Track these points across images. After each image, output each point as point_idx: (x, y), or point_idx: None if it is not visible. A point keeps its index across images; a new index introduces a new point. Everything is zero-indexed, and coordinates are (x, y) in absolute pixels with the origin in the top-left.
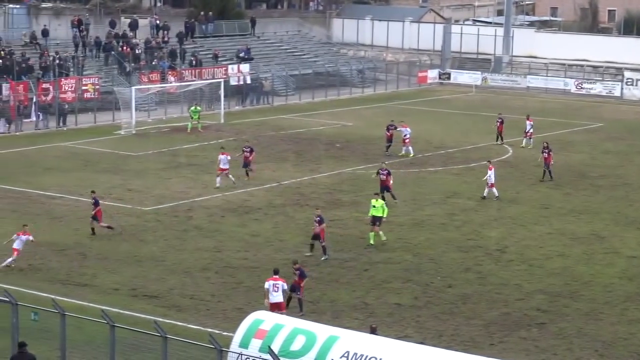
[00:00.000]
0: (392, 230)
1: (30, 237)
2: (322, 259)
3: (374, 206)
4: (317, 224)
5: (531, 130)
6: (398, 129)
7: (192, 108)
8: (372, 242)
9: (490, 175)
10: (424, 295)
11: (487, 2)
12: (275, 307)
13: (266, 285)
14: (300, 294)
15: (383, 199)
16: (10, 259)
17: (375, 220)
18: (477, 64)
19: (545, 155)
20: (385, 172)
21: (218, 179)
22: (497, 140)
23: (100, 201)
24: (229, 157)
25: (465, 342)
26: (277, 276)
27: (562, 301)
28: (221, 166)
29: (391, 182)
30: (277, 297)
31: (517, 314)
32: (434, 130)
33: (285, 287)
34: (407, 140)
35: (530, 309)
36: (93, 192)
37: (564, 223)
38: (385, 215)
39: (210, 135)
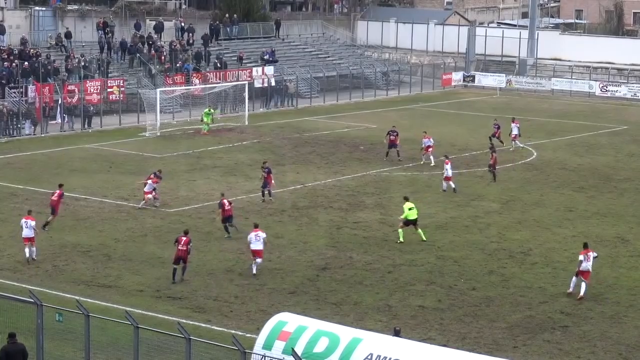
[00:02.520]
0: (416, 233)
1: (33, 223)
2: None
3: (410, 209)
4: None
5: (517, 133)
6: (425, 141)
7: (206, 110)
8: (402, 239)
9: (447, 169)
10: (448, 298)
11: (512, 4)
12: (256, 254)
13: (251, 235)
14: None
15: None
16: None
17: (410, 223)
18: (502, 67)
19: (493, 158)
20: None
21: (142, 202)
22: (503, 144)
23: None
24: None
25: (489, 345)
26: (257, 229)
27: (586, 304)
28: (146, 189)
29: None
30: (258, 245)
31: (540, 316)
32: (458, 132)
33: (265, 236)
34: (429, 150)
35: (554, 311)
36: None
37: (588, 226)
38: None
39: (235, 137)
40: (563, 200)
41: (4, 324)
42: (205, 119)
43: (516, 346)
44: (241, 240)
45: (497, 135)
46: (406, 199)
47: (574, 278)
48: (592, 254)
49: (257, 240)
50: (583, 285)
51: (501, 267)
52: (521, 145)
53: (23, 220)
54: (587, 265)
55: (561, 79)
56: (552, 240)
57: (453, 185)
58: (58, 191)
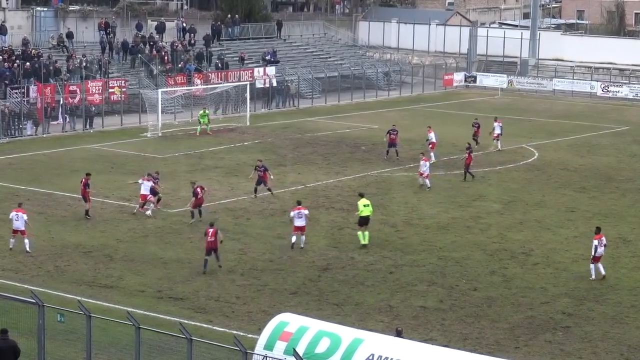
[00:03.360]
0: (417, 233)
1: (25, 216)
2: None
3: (365, 205)
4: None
5: (499, 132)
6: (430, 135)
7: (201, 112)
8: (364, 242)
9: (422, 165)
10: (449, 298)
11: (514, 5)
12: (300, 229)
13: (292, 214)
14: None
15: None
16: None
17: (364, 221)
18: (503, 67)
19: (466, 155)
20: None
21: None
22: (477, 145)
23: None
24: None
25: (490, 346)
26: (300, 206)
27: (588, 305)
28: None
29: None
30: (301, 221)
31: (542, 317)
32: (459, 133)
33: (307, 213)
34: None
35: (555, 312)
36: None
37: (589, 226)
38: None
39: (236, 137)
40: (564, 200)
41: (5, 325)
42: (202, 120)
43: (518, 347)
44: (241, 240)
45: (477, 134)
46: (361, 195)
47: (591, 265)
48: (604, 239)
49: (299, 217)
50: (600, 266)
51: (503, 268)
52: (499, 147)
53: (13, 213)
54: (602, 250)
55: (563, 80)
56: (554, 241)
57: (428, 184)
58: (83, 180)
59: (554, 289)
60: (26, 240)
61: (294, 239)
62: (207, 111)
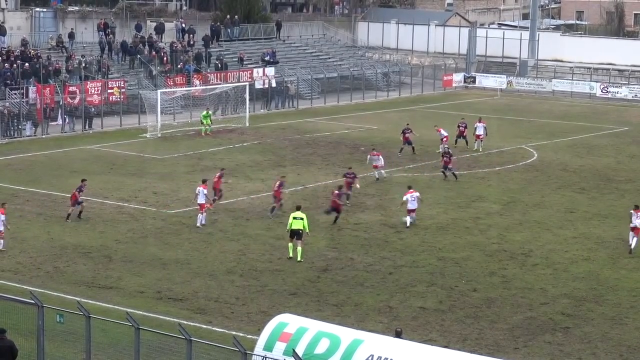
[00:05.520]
0: (417, 234)
1: (3, 217)
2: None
3: (295, 218)
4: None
5: (481, 133)
6: (441, 133)
7: (204, 113)
8: (291, 255)
9: (372, 158)
10: (449, 299)
11: (513, 5)
12: (412, 212)
13: (405, 197)
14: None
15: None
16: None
17: (295, 234)
18: (503, 68)
19: (446, 158)
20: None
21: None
22: (456, 144)
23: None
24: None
25: (490, 346)
26: (412, 189)
27: (587, 305)
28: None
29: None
30: (413, 204)
31: (541, 318)
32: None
33: (419, 195)
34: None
35: (555, 313)
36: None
37: (589, 227)
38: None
39: (236, 138)
40: (564, 201)
41: (5, 325)
42: (204, 121)
43: (517, 347)
44: (240, 241)
45: (463, 134)
46: (298, 208)
47: (630, 233)
48: None
49: (412, 200)
50: (635, 239)
51: (502, 269)
52: (480, 150)
53: None
54: (637, 222)
55: (562, 80)
56: (553, 242)
57: (377, 175)
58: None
59: (553, 289)
60: (1, 241)
61: (408, 220)
62: (209, 112)
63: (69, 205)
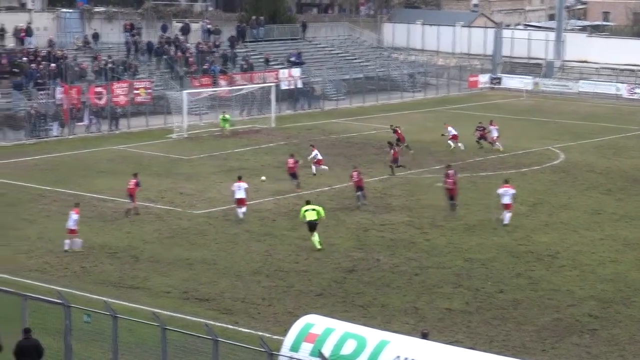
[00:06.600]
0: (443, 235)
1: (77, 217)
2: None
3: (306, 210)
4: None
5: (497, 135)
6: (487, 130)
7: (221, 116)
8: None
9: (314, 154)
10: (475, 301)
11: (539, 6)
12: (508, 207)
13: (500, 190)
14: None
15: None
16: None
17: (311, 226)
18: (528, 69)
19: (392, 151)
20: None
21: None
22: (490, 144)
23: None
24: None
25: (517, 348)
26: (507, 184)
27: (615, 307)
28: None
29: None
30: (507, 199)
31: (568, 319)
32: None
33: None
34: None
35: (582, 315)
36: None
37: (616, 229)
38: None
39: (262, 139)
40: (591, 202)
41: (32, 325)
42: (222, 125)
43: (544, 349)
44: (266, 242)
45: (483, 136)
46: (307, 202)
47: None
48: None
49: (506, 195)
50: None
51: (529, 270)
52: (500, 149)
53: None
54: None
55: (588, 81)
56: (580, 243)
57: (315, 170)
58: (133, 180)
59: (580, 291)
60: (78, 240)
61: (504, 215)
62: (227, 115)
63: (129, 202)
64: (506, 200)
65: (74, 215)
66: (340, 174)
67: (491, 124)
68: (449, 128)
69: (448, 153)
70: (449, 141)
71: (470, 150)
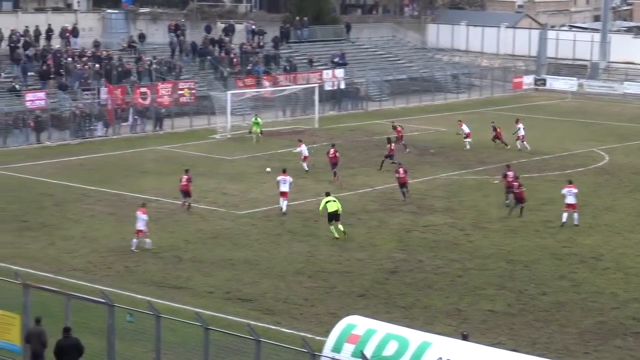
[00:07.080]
0: (486, 237)
1: (145, 217)
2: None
3: (329, 202)
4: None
5: (523, 134)
6: (463, 128)
7: (253, 119)
8: (337, 235)
9: (301, 150)
10: (518, 303)
11: (584, 7)
12: (570, 207)
13: (564, 190)
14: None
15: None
16: None
17: (333, 216)
18: (573, 70)
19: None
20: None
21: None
22: (507, 145)
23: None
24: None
25: (559, 351)
26: (571, 184)
27: None
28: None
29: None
30: (571, 199)
31: (612, 322)
32: (529, 136)
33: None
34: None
35: (626, 317)
36: None
37: None
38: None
39: (306, 139)
40: (635, 205)
41: (75, 324)
42: (254, 129)
43: (587, 352)
44: (309, 242)
45: (499, 136)
46: (327, 194)
47: None
48: None
49: (570, 194)
50: None
51: (572, 272)
52: (528, 148)
53: None
54: None
55: (633, 83)
56: (624, 246)
57: (306, 167)
58: (185, 176)
59: (624, 294)
60: (147, 240)
61: (565, 216)
62: (259, 119)
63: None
64: (570, 200)
65: (142, 216)
66: (385, 175)
67: (517, 123)
68: (463, 126)
69: (492, 154)
70: (464, 140)
71: (513, 151)
